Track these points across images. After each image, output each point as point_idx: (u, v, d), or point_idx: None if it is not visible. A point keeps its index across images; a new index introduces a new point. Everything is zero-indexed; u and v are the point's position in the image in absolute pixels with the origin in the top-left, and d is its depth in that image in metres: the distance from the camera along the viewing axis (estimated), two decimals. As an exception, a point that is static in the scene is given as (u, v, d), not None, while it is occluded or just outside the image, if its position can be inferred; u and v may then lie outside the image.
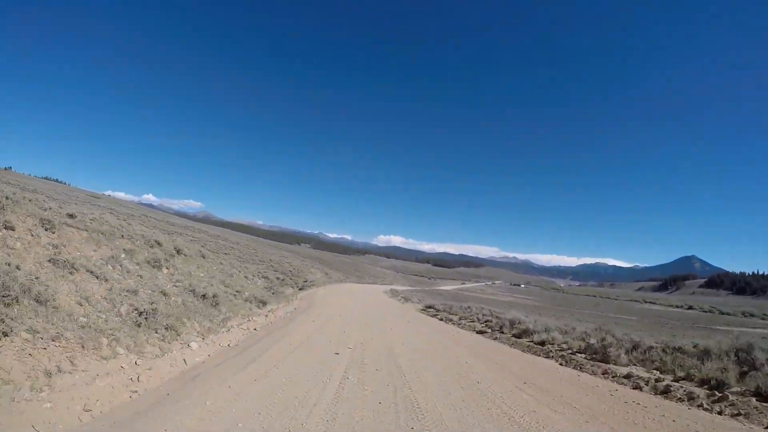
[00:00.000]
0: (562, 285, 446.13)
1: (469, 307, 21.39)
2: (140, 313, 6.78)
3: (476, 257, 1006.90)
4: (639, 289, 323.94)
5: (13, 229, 7.36)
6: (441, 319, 16.84)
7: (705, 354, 7.66)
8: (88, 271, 7.41)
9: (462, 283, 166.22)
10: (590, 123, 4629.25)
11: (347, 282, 49.80)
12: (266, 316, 11.65)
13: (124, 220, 21.72)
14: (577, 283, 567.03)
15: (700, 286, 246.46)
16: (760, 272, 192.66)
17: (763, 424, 5.08)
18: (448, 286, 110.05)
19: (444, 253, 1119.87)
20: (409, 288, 61.57)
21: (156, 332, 6.67)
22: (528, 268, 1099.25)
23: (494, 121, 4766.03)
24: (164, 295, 8.33)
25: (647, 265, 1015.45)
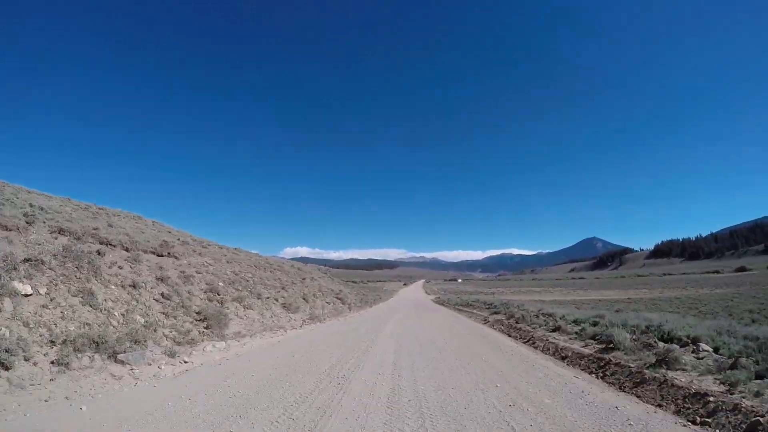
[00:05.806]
0: (481, 278, 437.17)
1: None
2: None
3: (386, 260, 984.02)
4: (572, 270, 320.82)
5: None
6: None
7: None
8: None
9: (404, 284, 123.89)
10: (480, 118, 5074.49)
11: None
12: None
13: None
14: (495, 275, 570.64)
15: (647, 258, 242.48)
16: (704, 235, 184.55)
17: None
18: (401, 289, 62.51)
19: (351, 259, 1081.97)
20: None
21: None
22: (437, 265, 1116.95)
23: (387, 129, 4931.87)
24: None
25: (551, 250, 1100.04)
